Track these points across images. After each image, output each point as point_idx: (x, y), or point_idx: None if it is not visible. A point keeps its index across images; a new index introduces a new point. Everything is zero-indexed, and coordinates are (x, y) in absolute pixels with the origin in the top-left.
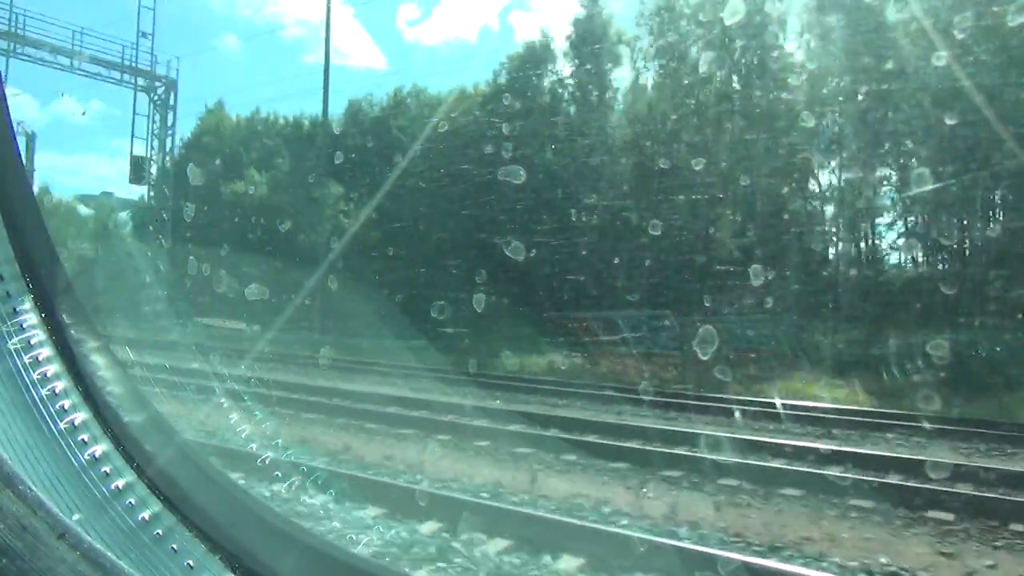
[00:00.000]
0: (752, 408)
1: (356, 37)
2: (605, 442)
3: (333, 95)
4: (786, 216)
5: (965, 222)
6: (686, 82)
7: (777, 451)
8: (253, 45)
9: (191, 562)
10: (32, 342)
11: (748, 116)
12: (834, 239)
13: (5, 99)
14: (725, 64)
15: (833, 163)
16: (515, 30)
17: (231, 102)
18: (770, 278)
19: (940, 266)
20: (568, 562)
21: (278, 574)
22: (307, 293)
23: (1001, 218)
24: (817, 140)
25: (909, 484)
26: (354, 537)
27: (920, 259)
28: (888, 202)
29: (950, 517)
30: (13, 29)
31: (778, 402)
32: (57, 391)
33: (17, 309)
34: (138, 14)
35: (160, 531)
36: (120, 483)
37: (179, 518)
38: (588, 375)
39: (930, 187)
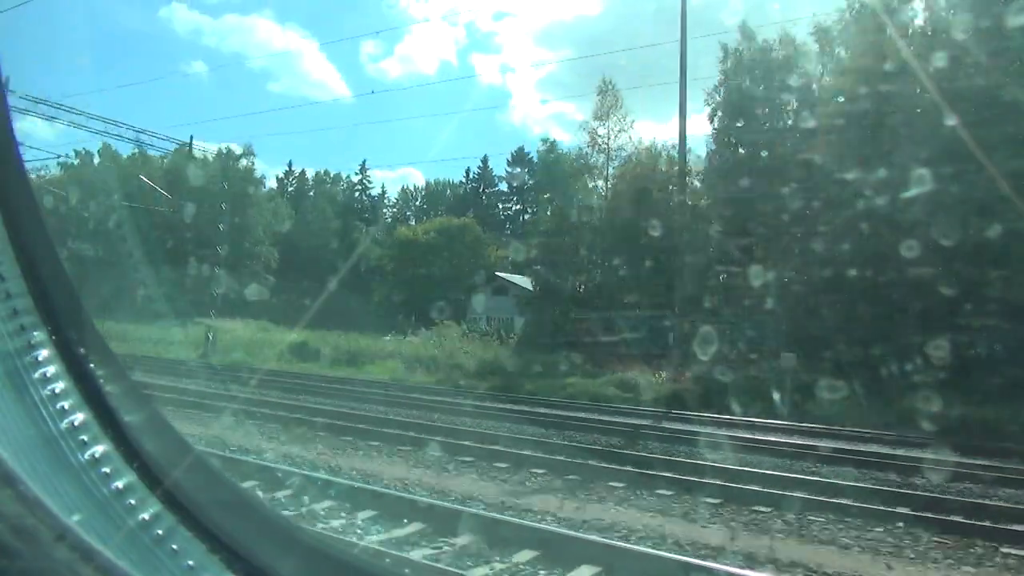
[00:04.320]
0: None
1: (323, 70)
2: None
3: (308, 120)
4: None
5: None
6: None
7: None
8: (219, 71)
9: (191, 562)
10: (32, 342)
11: None
12: None
13: (6, 99)
14: None
15: None
16: (475, 67)
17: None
18: None
19: None
20: None
21: (279, 574)
22: None
23: None
24: None
25: None
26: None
27: None
28: None
29: None
30: None
31: None
32: (57, 392)
33: (17, 309)
34: None
35: (160, 531)
36: (120, 484)
37: (179, 518)
38: None
39: None
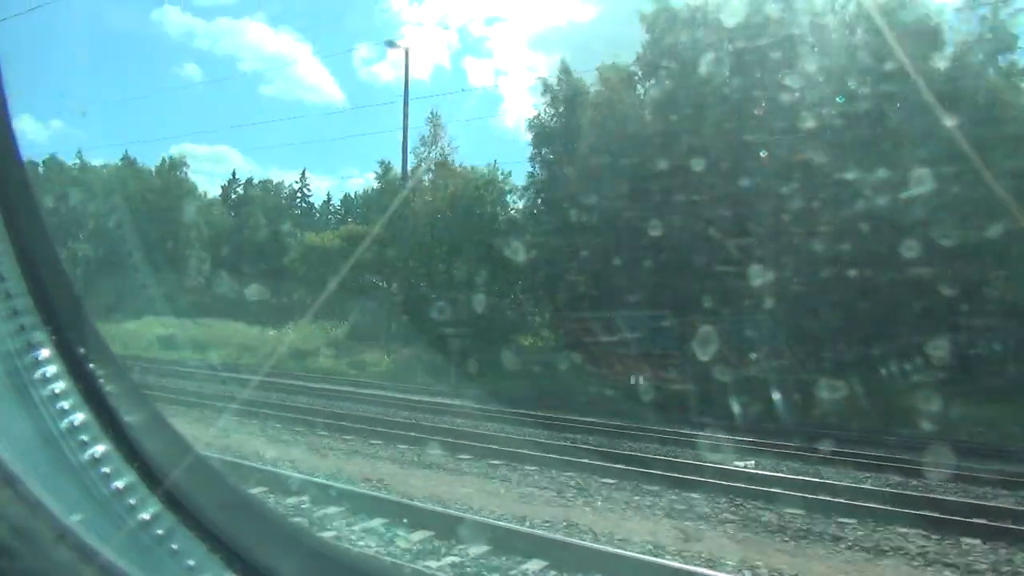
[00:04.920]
0: None
1: (316, 74)
2: None
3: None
4: None
5: None
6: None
7: None
8: (212, 74)
9: (191, 562)
10: (32, 342)
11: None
12: None
13: (5, 100)
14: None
15: None
16: (467, 72)
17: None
18: None
19: None
20: None
21: (278, 574)
22: None
23: None
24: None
25: None
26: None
27: None
28: None
29: None
30: None
31: None
32: (57, 392)
33: (17, 309)
34: None
35: (160, 531)
36: (120, 484)
37: (179, 518)
38: None
39: None
